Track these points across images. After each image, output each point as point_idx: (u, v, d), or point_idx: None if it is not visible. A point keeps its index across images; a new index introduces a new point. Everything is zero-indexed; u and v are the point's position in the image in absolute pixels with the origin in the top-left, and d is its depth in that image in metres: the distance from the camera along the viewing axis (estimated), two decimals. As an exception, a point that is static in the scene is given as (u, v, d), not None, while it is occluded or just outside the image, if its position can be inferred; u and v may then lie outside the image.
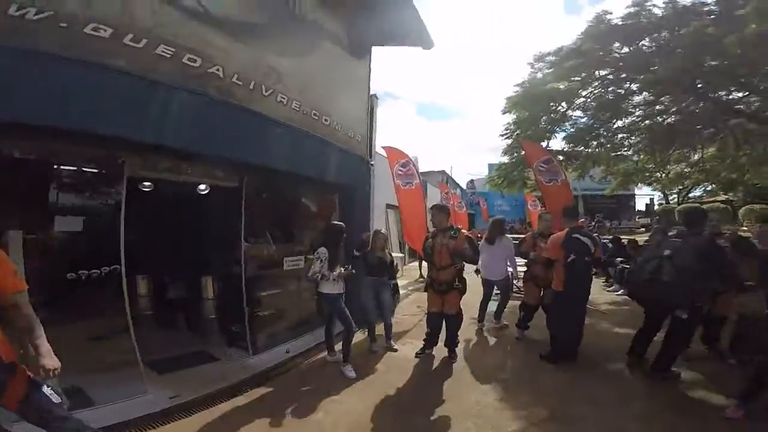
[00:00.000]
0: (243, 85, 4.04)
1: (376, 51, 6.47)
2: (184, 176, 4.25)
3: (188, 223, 5.05)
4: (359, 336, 5.40)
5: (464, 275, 4.58)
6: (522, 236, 6.81)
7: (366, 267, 4.97)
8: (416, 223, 7.22)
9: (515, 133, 9.65)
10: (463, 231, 4.55)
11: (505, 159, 10.63)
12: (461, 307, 4.66)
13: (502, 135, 9.92)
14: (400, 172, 7.46)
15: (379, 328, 5.22)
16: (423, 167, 21.09)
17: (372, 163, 6.52)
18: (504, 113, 9.68)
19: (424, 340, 4.88)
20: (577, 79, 8.50)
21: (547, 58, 9.37)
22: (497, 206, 30.03)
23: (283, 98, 4.56)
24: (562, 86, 8.35)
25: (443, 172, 23.85)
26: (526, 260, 5.70)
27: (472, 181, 31.88)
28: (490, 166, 28.37)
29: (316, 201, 6.04)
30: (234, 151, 4.05)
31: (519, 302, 5.92)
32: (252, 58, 4.19)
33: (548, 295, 4.92)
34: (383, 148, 7.89)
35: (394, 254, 11.31)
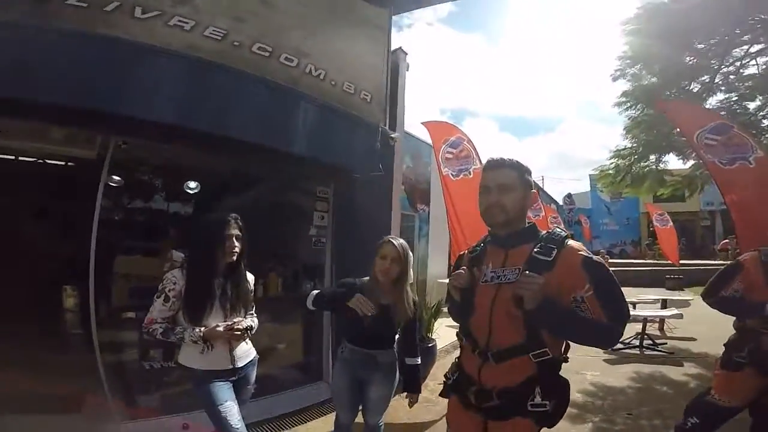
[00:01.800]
0: (91, 7, 2.28)
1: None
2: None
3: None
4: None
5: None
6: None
7: (348, 324, 2.11)
8: (477, 232, 4.38)
9: (638, 105, 6.08)
10: (576, 245, 1.34)
11: (626, 143, 6.68)
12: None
13: (617, 104, 6.29)
14: (448, 155, 4.74)
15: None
16: None
17: (394, 137, 4.00)
18: (616, 78, 6.22)
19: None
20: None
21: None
22: (603, 224, 24.62)
23: (185, 23, 2.55)
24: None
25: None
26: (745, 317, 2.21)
27: (569, 195, 26.65)
28: (592, 177, 23.46)
29: (282, 194, 3.73)
30: (53, 92, 2.15)
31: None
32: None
33: None
34: (424, 124, 5.35)
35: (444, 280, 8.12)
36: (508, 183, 1.39)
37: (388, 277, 2.02)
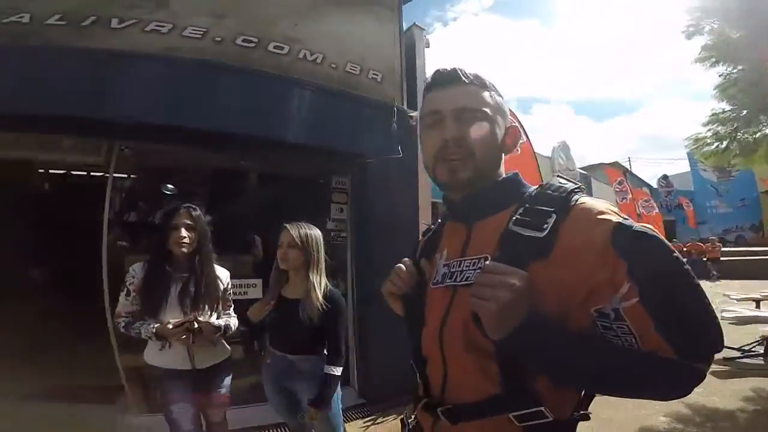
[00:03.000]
0: (69, 24, 2.39)
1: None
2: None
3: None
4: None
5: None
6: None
7: (269, 322, 1.82)
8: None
9: (725, 62, 4.66)
10: (597, 204, 0.66)
11: (723, 106, 5.07)
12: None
13: (699, 61, 4.78)
14: None
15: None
16: (584, 160, 15.36)
17: (413, 115, 3.51)
18: (690, 35, 4.84)
19: None
20: None
21: None
22: (711, 207, 20.62)
23: (162, 26, 2.55)
24: None
25: (616, 164, 17.06)
26: None
27: (665, 177, 22.70)
28: (690, 154, 19.87)
29: (292, 188, 3.45)
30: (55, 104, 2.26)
31: None
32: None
33: None
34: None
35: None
36: (472, 105, 0.74)
37: (288, 265, 1.74)
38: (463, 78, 0.76)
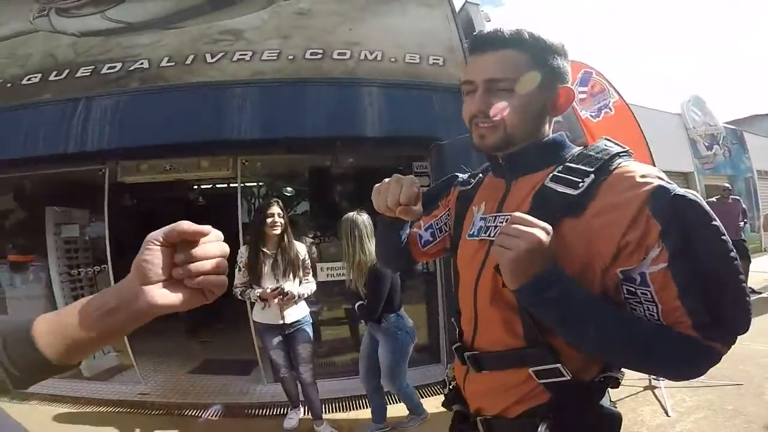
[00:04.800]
0: (177, 64, 3.05)
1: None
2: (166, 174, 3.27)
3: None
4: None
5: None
6: None
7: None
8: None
9: None
10: (639, 167, 0.63)
11: None
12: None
13: None
14: (581, 96, 3.77)
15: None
16: (730, 114, 11.80)
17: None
18: None
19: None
20: None
21: None
22: None
23: (244, 55, 3.10)
24: None
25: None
26: None
27: None
28: None
29: (376, 178, 3.66)
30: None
31: None
32: (189, 35, 3.15)
33: None
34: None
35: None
36: (502, 75, 0.69)
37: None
38: (499, 42, 0.70)
